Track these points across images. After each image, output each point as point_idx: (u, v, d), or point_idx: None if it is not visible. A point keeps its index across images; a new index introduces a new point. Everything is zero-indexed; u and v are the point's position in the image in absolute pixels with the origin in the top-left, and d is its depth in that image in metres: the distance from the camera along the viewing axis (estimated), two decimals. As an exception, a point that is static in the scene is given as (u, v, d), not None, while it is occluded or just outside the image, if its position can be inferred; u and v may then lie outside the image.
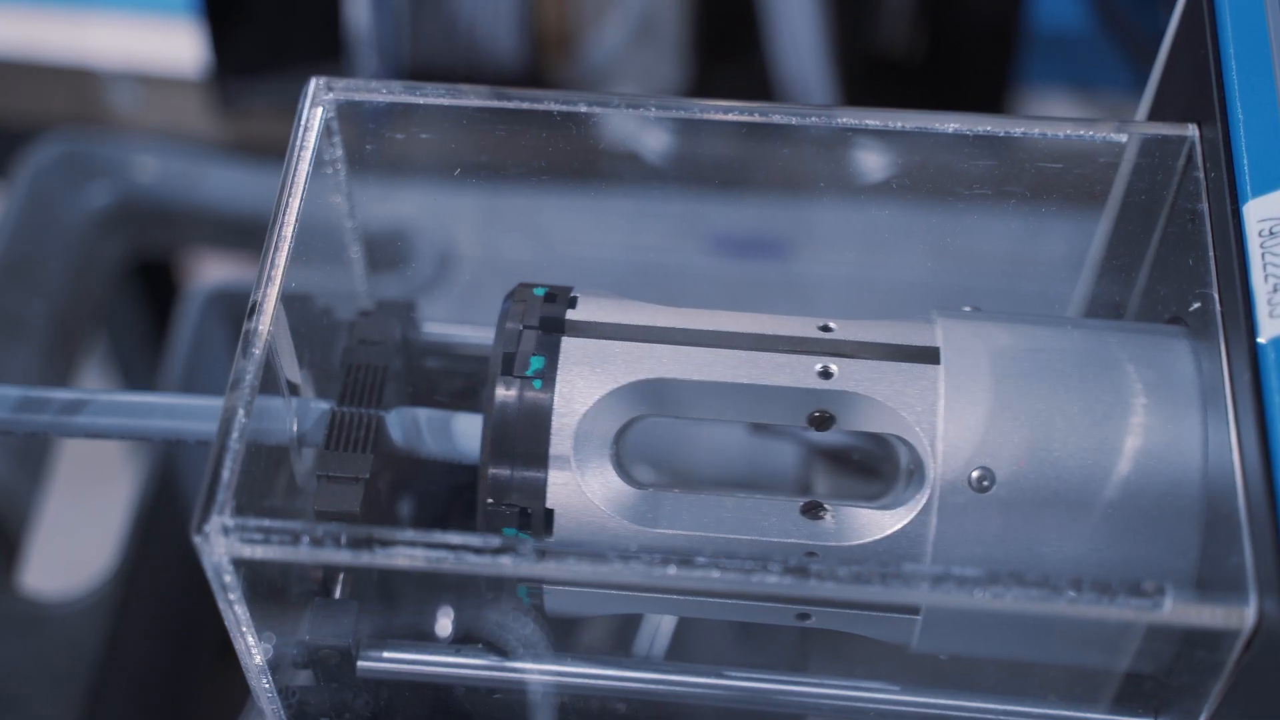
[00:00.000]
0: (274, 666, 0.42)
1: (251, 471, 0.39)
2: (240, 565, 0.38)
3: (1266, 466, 0.36)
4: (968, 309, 0.44)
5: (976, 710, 0.43)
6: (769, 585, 0.37)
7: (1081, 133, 0.45)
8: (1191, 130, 0.44)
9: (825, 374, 0.42)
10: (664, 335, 0.43)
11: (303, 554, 0.38)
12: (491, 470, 0.42)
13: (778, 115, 0.46)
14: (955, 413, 0.41)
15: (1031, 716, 0.43)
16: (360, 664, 0.44)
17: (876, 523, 0.41)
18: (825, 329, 0.43)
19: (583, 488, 0.42)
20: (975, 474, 0.40)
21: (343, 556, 0.38)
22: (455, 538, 0.37)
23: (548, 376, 0.42)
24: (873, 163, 0.48)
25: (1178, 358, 0.41)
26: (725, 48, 1.04)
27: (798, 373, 0.42)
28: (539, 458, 0.42)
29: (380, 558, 0.37)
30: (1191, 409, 0.40)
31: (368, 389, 0.45)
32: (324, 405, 0.45)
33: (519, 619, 0.45)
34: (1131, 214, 0.47)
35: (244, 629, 0.40)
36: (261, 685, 0.42)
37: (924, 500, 0.41)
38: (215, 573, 0.38)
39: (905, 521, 0.41)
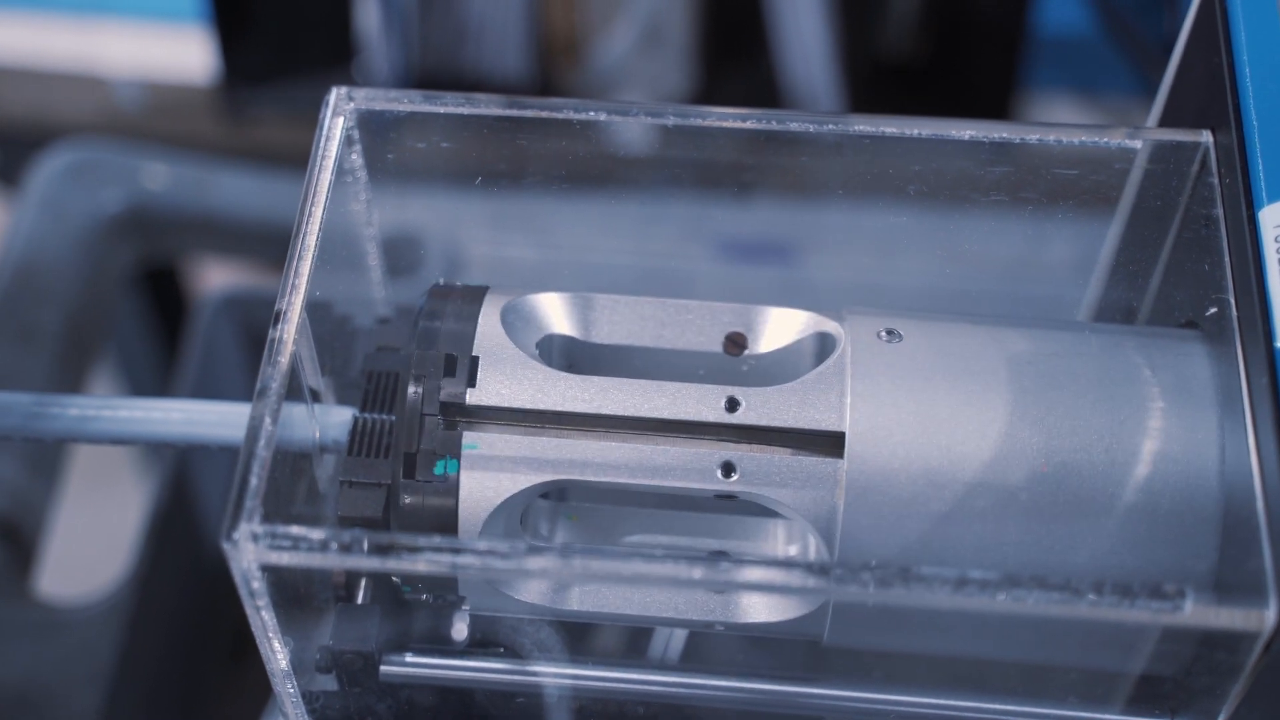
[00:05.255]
0: (296, 670, 0.42)
1: (276, 478, 0.40)
2: (268, 571, 0.38)
3: (1284, 470, 0.36)
4: (883, 332, 0.44)
5: (993, 713, 0.44)
6: (793, 586, 0.37)
7: (1096, 139, 0.46)
8: (1206, 136, 0.44)
9: (727, 471, 0.42)
10: (564, 423, 0.43)
11: (330, 560, 0.38)
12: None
13: (793, 123, 0.46)
14: (853, 519, 0.41)
15: (1049, 718, 0.43)
16: (383, 669, 0.44)
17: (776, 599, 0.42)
18: (732, 405, 0.42)
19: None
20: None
21: (370, 562, 0.38)
22: (481, 543, 0.38)
23: (451, 480, 0.42)
24: (880, 168, 0.48)
25: (1194, 362, 0.42)
26: (732, 54, 1.05)
27: (700, 472, 0.42)
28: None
29: (407, 564, 0.38)
30: (1208, 413, 0.41)
31: (389, 395, 0.45)
32: (345, 412, 0.45)
33: (534, 623, 0.45)
34: (1143, 219, 0.48)
35: (270, 634, 0.40)
36: (286, 690, 0.42)
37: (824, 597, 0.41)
38: (244, 579, 0.38)
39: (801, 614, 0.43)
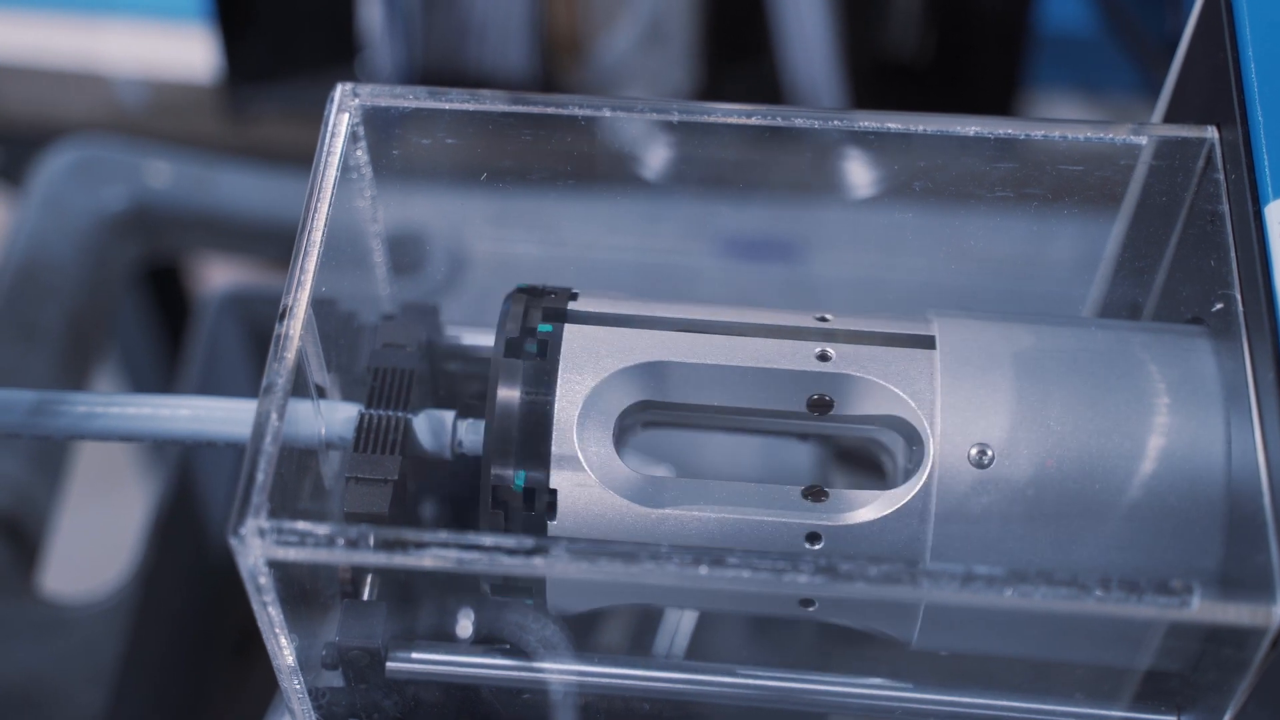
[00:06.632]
0: (303, 667, 0.42)
1: (282, 474, 0.40)
2: (274, 567, 0.38)
3: (1291, 465, 0.36)
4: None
5: (1000, 708, 0.44)
6: (799, 585, 0.37)
7: (1102, 135, 0.46)
8: (1211, 132, 0.44)
9: (823, 357, 0.43)
10: (664, 324, 0.44)
11: (337, 556, 0.38)
12: (495, 463, 0.43)
13: (799, 119, 0.46)
14: (952, 390, 0.42)
15: (1055, 714, 0.43)
16: (389, 665, 0.44)
17: (877, 501, 0.42)
18: (822, 319, 0.44)
19: (586, 467, 0.42)
20: (974, 450, 0.41)
21: (377, 558, 0.38)
22: (488, 539, 0.38)
23: (550, 361, 0.43)
24: (885, 165, 0.48)
25: (1200, 357, 0.42)
26: (735, 51, 1.04)
27: (796, 357, 0.43)
28: (542, 445, 0.43)
29: (414, 559, 0.38)
30: (1214, 408, 0.41)
31: (395, 392, 0.45)
32: (351, 408, 0.45)
33: (539, 619, 0.45)
34: (1148, 215, 0.48)
35: (277, 630, 0.40)
36: (293, 686, 0.42)
37: (924, 477, 0.41)
38: (251, 575, 0.38)
39: (906, 499, 0.41)
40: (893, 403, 0.42)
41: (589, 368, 0.43)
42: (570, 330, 0.44)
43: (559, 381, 0.43)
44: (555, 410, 0.42)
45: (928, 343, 0.43)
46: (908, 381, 0.42)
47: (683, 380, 0.44)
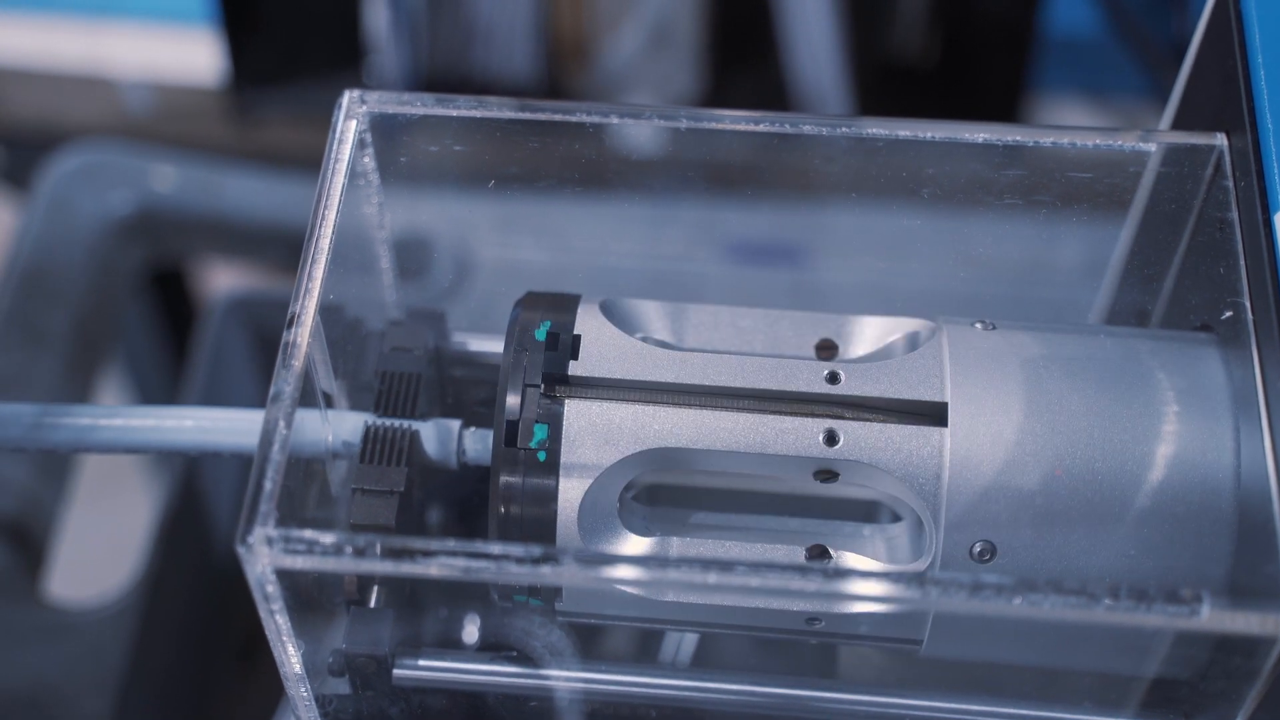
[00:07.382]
0: (309, 674, 0.42)
1: (289, 483, 0.40)
2: (282, 576, 0.38)
3: (1301, 474, 0.36)
4: (979, 325, 0.44)
5: (1008, 716, 0.44)
6: (810, 593, 0.37)
7: (1110, 142, 0.45)
8: (1220, 139, 0.44)
9: (830, 440, 0.42)
10: (668, 395, 0.43)
11: (345, 564, 0.38)
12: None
13: (807, 125, 0.46)
14: (959, 485, 0.41)
15: (1063, 723, 0.43)
16: (396, 672, 0.44)
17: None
18: (832, 378, 0.43)
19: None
20: (977, 548, 0.41)
21: (384, 567, 0.38)
22: (495, 547, 0.38)
23: (552, 449, 0.42)
24: (893, 171, 0.48)
25: (1209, 365, 0.42)
26: (740, 55, 1.04)
27: (803, 439, 0.42)
28: (546, 534, 0.42)
29: (421, 568, 0.38)
30: (1223, 416, 0.41)
31: (402, 399, 0.45)
32: (358, 416, 0.45)
33: (545, 626, 0.45)
34: (1157, 222, 0.47)
35: (284, 638, 0.40)
36: (300, 693, 0.42)
37: (924, 567, 0.41)
38: (258, 583, 0.38)
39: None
40: (898, 489, 0.42)
41: (591, 457, 0.42)
42: (571, 410, 0.43)
43: (560, 476, 0.42)
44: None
45: (939, 415, 0.42)
46: (915, 473, 0.42)
47: (688, 459, 0.43)
